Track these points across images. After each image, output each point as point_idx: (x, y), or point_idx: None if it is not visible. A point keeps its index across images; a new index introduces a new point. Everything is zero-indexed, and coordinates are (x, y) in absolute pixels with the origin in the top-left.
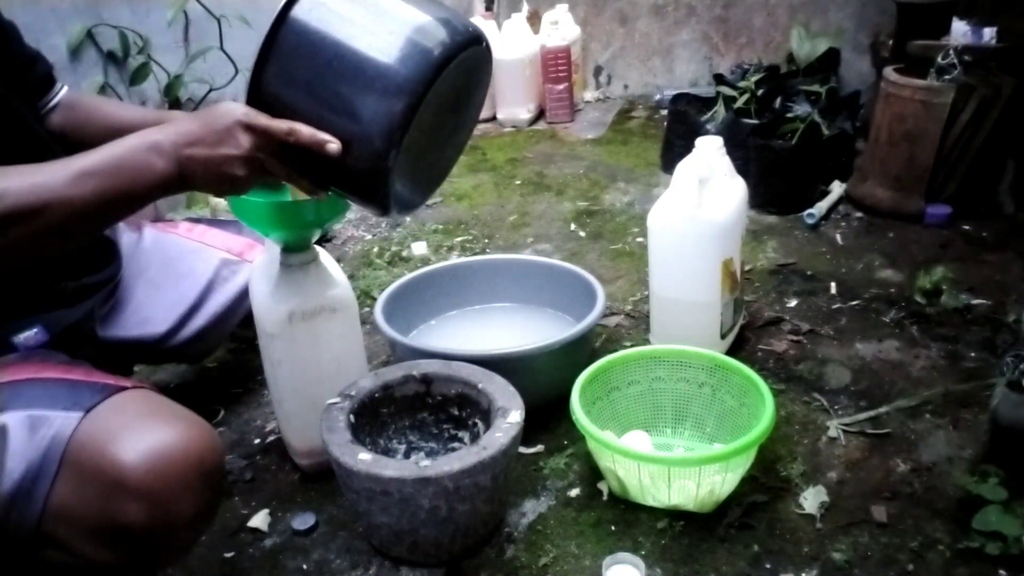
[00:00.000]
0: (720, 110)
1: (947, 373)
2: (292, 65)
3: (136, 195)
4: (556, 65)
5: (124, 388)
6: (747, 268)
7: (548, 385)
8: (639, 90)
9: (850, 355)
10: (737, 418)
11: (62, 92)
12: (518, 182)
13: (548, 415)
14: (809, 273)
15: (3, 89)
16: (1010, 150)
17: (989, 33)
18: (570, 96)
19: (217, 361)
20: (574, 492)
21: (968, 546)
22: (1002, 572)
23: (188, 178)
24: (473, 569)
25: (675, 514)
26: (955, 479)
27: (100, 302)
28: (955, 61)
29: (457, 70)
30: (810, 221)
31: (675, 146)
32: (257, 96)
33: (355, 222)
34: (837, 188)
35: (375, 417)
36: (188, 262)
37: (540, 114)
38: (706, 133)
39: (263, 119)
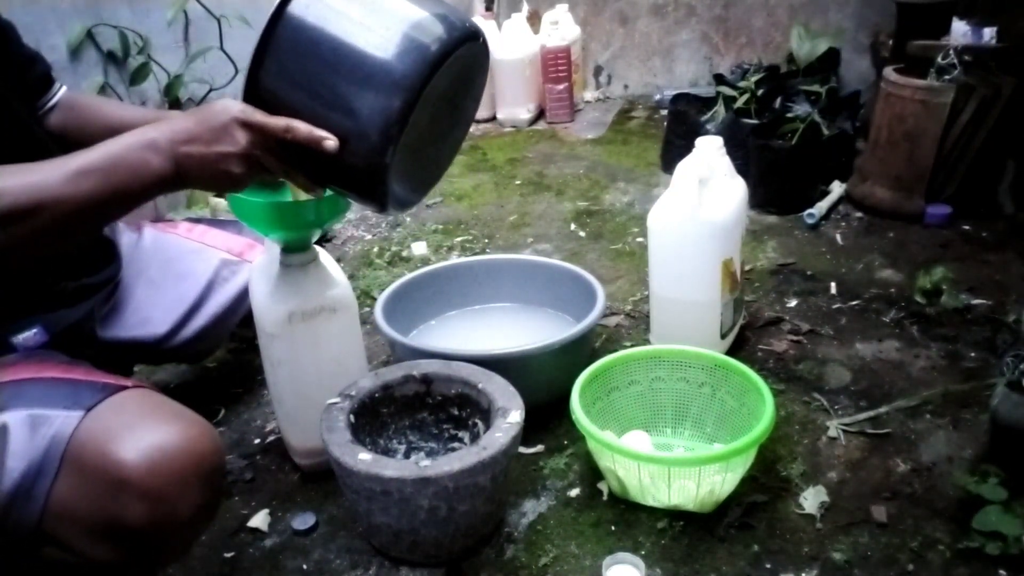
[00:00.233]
0: (720, 110)
1: (947, 373)
2: (289, 62)
3: (133, 193)
4: (556, 65)
5: (124, 387)
6: (747, 268)
7: (548, 385)
8: (639, 90)
9: (850, 355)
10: (737, 418)
11: (61, 92)
12: (518, 182)
13: (548, 415)
14: (809, 273)
15: (1, 89)
16: (1010, 150)
17: (989, 33)
18: (570, 96)
19: (217, 361)
20: (574, 492)
21: (968, 546)
22: (1002, 572)
23: (185, 176)
24: (473, 569)
25: (675, 514)
26: (955, 479)
27: (100, 302)
28: (955, 61)
29: (454, 66)
30: (810, 221)
31: (675, 146)
32: (254, 93)
33: (355, 222)
34: (837, 188)
35: (375, 417)
36: (188, 262)
37: (540, 114)
38: (706, 133)
39: (260, 116)
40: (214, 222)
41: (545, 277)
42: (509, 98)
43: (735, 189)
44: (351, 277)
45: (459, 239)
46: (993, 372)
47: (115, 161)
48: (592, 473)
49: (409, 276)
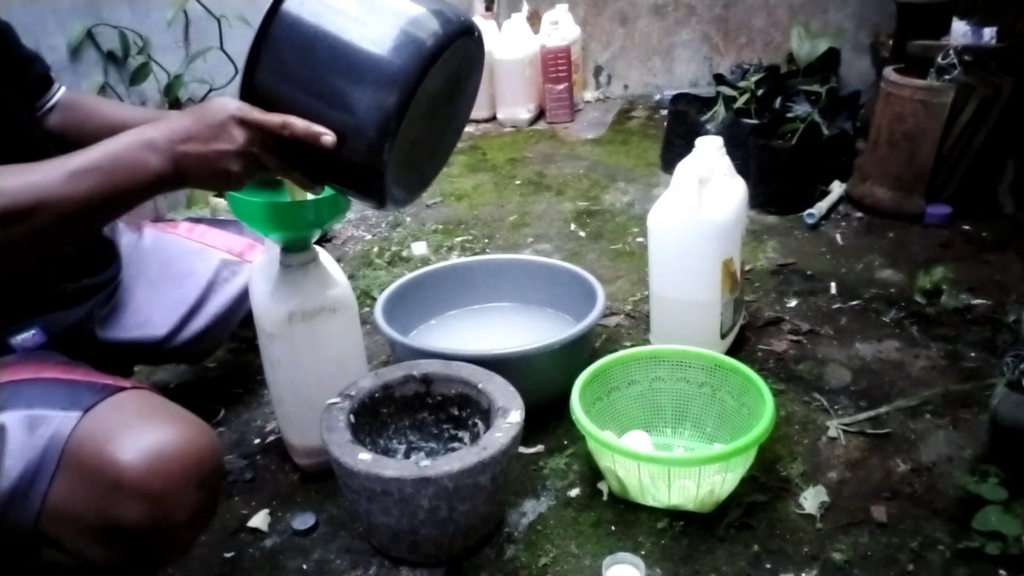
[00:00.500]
0: (720, 110)
1: (947, 373)
2: (285, 59)
3: (131, 192)
4: (556, 65)
5: (123, 388)
6: (747, 268)
7: (548, 385)
8: (639, 90)
9: (850, 355)
10: (737, 418)
11: (60, 93)
12: (518, 182)
13: (548, 415)
14: (809, 273)
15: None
16: (1010, 150)
17: (989, 33)
18: (570, 96)
19: (217, 361)
20: (574, 492)
21: (968, 546)
22: (1002, 572)
23: (183, 174)
24: (473, 569)
25: (675, 514)
26: (955, 479)
27: (100, 303)
28: (955, 61)
29: (450, 61)
30: (810, 221)
31: (675, 146)
32: (250, 91)
33: (355, 222)
34: (837, 188)
35: (375, 417)
36: (188, 263)
37: (540, 114)
38: (706, 133)
39: (257, 113)
40: (215, 222)
41: (545, 277)
42: (509, 98)
43: (735, 189)
44: (351, 277)
45: (459, 239)
46: (993, 372)
47: (113, 160)
48: (592, 473)
49: (409, 276)
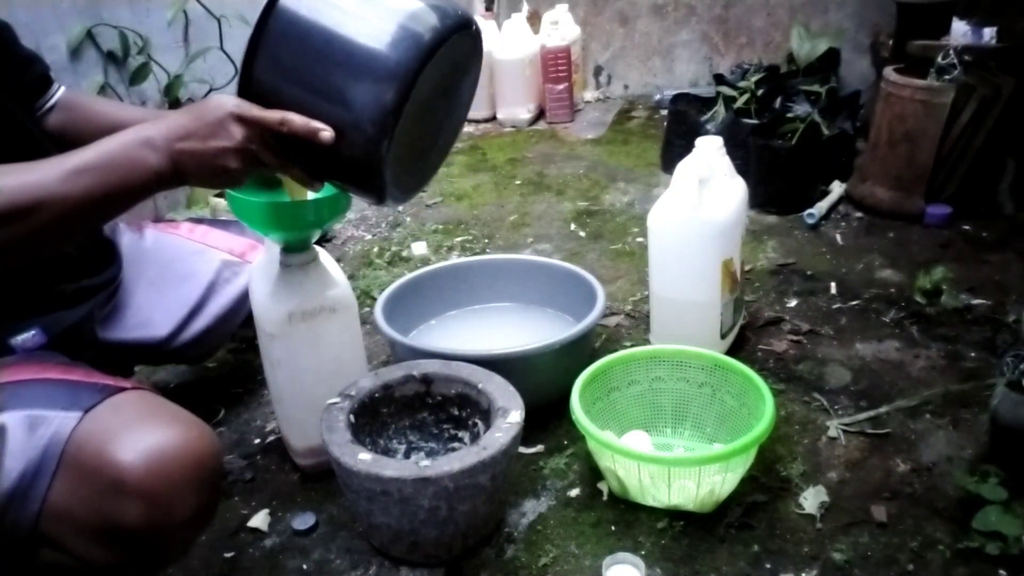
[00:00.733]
0: (720, 110)
1: (947, 373)
2: (282, 55)
3: (130, 191)
4: (556, 65)
5: (123, 389)
6: (747, 268)
7: (548, 385)
8: (639, 90)
9: (850, 355)
10: (737, 418)
11: (59, 93)
12: (518, 182)
13: (548, 415)
14: (809, 273)
15: None
16: (1010, 150)
17: (989, 33)
18: (570, 96)
19: (217, 361)
20: (574, 492)
21: (968, 546)
22: (1002, 572)
23: (181, 172)
24: (473, 569)
25: (675, 514)
26: (955, 479)
27: (100, 304)
28: (955, 61)
29: (448, 54)
30: (810, 221)
31: (675, 146)
32: (248, 87)
33: (355, 222)
34: (837, 188)
35: (375, 417)
36: (189, 263)
37: (540, 114)
38: (706, 133)
39: (255, 110)
40: (216, 223)
41: (545, 277)
42: (509, 98)
43: (735, 189)
44: (351, 277)
45: (459, 239)
46: (993, 372)
47: (112, 159)
48: (592, 473)
49: (409, 276)
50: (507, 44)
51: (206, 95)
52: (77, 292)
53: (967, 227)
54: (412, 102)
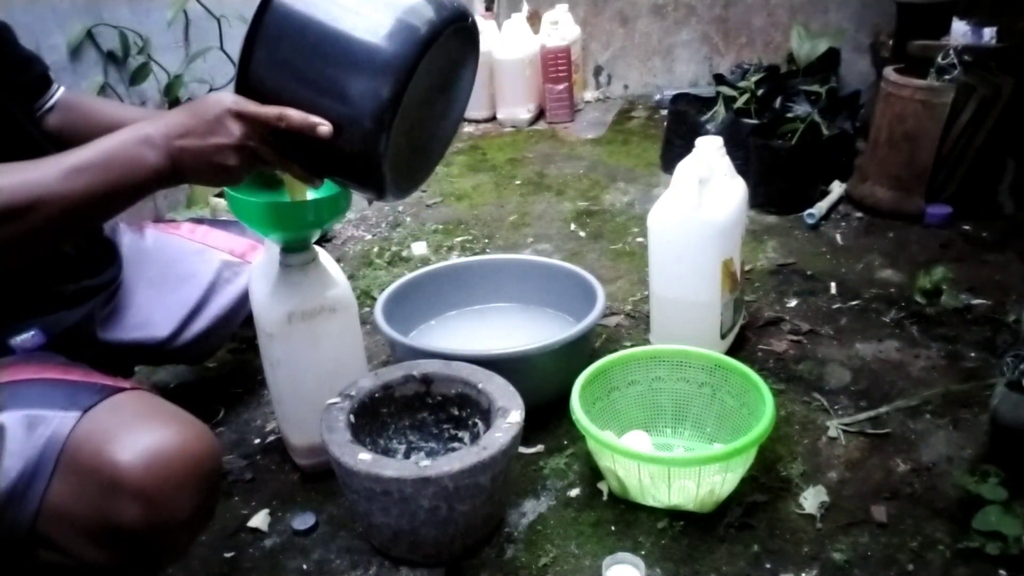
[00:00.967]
0: (720, 110)
1: (947, 373)
2: (279, 50)
3: (129, 189)
4: (556, 65)
5: (122, 389)
6: (747, 268)
7: (548, 385)
8: (639, 90)
9: (850, 355)
10: (737, 418)
11: (59, 93)
12: (518, 182)
13: (548, 415)
14: (809, 273)
15: None
16: (1010, 150)
17: (989, 33)
18: (570, 96)
19: (217, 361)
20: (574, 492)
21: (968, 546)
22: (1002, 572)
23: (180, 170)
24: (473, 569)
25: (675, 514)
26: (955, 479)
27: (100, 304)
28: (955, 61)
29: (444, 47)
30: (810, 221)
31: (675, 146)
32: (245, 84)
33: (355, 222)
34: (837, 188)
35: (375, 417)
36: (190, 264)
37: (540, 114)
38: (706, 133)
39: (253, 106)
40: (217, 223)
41: (545, 277)
42: (509, 98)
43: (735, 189)
44: (351, 277)
45: (459, 239)
46: (993, 372)
47: (110, 157)
48: (592, 473)
49: (409, 276)
50: (507, 44)
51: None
52: (77, 293)
53: (967, 227)
54: (410, 96)
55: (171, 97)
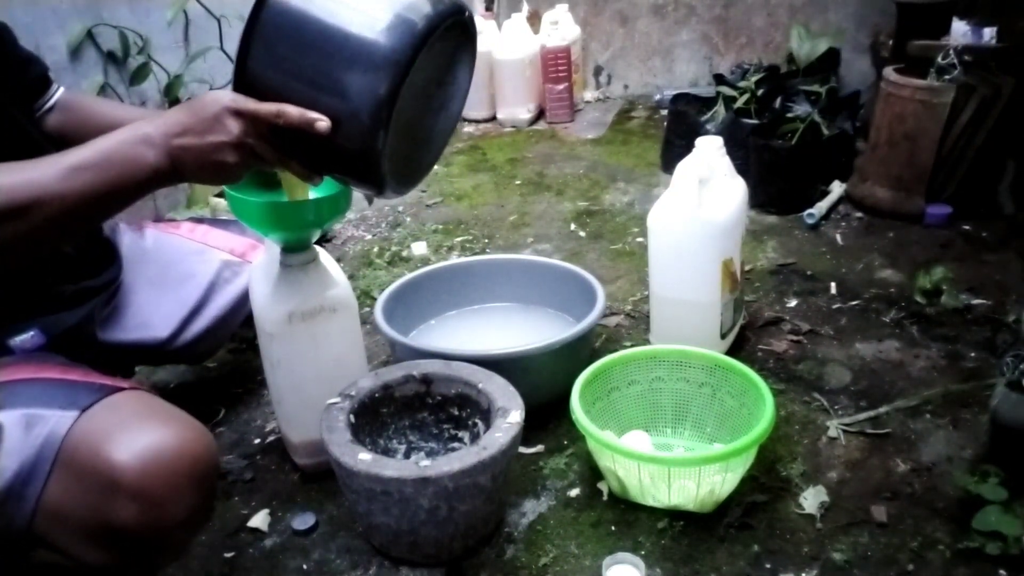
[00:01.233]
0: (720, 110)
1: (947, 373)
2: (276, 47)
3: (128, 188)
4: (556, 65)
5: (121, 389)
6: (747, 268)
7: (548, 385)
8: (639, 90)
9: (850, 355)
10: (737, 418)
11: (58, 93)
12: (518, 182)
13: (548, 415)
14: (809, 273)
15: None
16: (1010, 150)
17: (989, 33)
18: (570, 96)
19: (217, 361)
20: (574, 492)
21: (968, 546)
22: (1002, 572)
23: (179, 168)
24: (473, 569)
25: (675, 514)
26: (955, 479)
27: (100, 305)
28: (955, 61)
29: (442, 42)
30: (810, 221)
31: (675, 146)
32: (243, 81)
33: (355, 222)
34: (837, 188)
35: (375, 417)
36: (190, 264)
37: (540, 114)
38: (706, 133)
39: (251, 104)
40: (217, 222)
41: (545, 277)
42: (509, 98)
43: (735, 189)
44: (351, 277)
45: (459, 239)
46: (993, 372)
47: (109, 156)
48: (592, 473)
49: (409, 276)
50: (507, 44)
51: None
52: (77, 293)
53: (967, 227)
54: (407, 91)
55: (171, 97)
